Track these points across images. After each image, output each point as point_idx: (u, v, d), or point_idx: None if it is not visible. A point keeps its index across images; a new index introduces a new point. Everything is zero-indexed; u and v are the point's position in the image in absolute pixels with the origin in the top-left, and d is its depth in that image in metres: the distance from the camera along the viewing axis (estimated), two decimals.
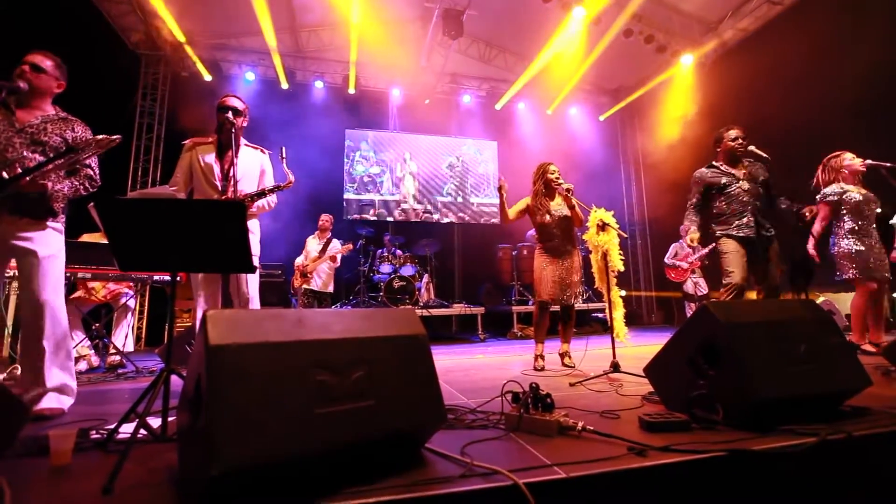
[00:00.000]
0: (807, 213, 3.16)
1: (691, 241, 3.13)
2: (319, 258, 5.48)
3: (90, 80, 5.42)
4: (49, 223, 2.18)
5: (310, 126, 7.50)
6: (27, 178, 1.97)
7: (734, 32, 7.27)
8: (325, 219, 5.75)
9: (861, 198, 3.43)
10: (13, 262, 2.24)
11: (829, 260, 3.60)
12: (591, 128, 9.53)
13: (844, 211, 3.47)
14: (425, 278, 6.73)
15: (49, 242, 2.17)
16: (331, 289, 5.65)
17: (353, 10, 6.45)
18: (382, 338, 1.34)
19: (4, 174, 1.95)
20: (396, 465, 1.25)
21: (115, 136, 2.04)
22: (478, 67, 8.71)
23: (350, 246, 5.71)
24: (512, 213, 3.50)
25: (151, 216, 1.60)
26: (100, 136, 2.04)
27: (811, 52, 5.54)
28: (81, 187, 2.25)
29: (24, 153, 2.10)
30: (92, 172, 2.29)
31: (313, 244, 5.62)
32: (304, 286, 5.41)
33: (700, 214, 3.22)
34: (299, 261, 5.61)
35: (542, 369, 3.26)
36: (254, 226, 2.64)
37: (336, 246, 5.62)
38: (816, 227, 3.56)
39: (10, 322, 3.61)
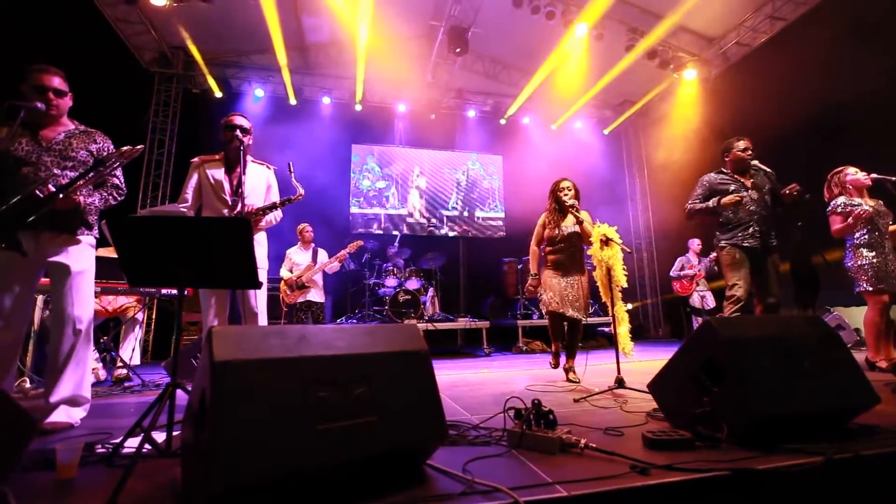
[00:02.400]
0: (796, 191, 3.03)
1: (732, 202, 3.01)
2: (314, 266, 5.19)
3: (104, 97, 5.58)
4: (83, 238, 2.24)
5: (317, 141, 7.62)
6: (60, 196, 2.03)
7: (737, 48, 7.33)
8: (308, 228, 5.43)
9: (871, 209, 3.41)
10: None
11: (841, 274, 3.57)
12: (596, 142, 9.60)
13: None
14: (430, 292, 6.73)
15: (82, 258, 2.22)
16: (323, 298, 5.39)
17: (361, 28, 6.60)
18: (384, 354, 1.35)
19: (38, 193, 2.01)
20: (398, 482, 1.25)
21: (138, 146, 2.11)
22: (483, 83, 8.83)
23: (360, 243, 5.43)
24: (537, 238, 3.55)
25: (160, 233, 1.64)
26: (124, 148, 2.10)
27: (814, 67, 5.57)
28: (111, 197, 2.33)
29: (55, 171, 2.17)
30: (118, 181, 2.37)
31: (300, 256, 5.31)
32: (301, 299, 5.13)
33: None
34: (286, 274, 5.22)
35: (557, 367, 3.41)
36: (261, 238, 2.69)
37: (324, 256, 5.38)
38: (837, 229, 3.49)
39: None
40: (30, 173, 2.13)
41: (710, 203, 3.13)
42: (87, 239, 2.28)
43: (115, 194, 2.35)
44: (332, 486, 1.16)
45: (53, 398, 2.10)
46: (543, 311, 3.41)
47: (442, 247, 7.82)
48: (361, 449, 1.18)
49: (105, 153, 2.33)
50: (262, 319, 2.62)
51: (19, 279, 2.12)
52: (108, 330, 4.13)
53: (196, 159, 2.69)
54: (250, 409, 1.06)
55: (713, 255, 6.10)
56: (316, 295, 5.21)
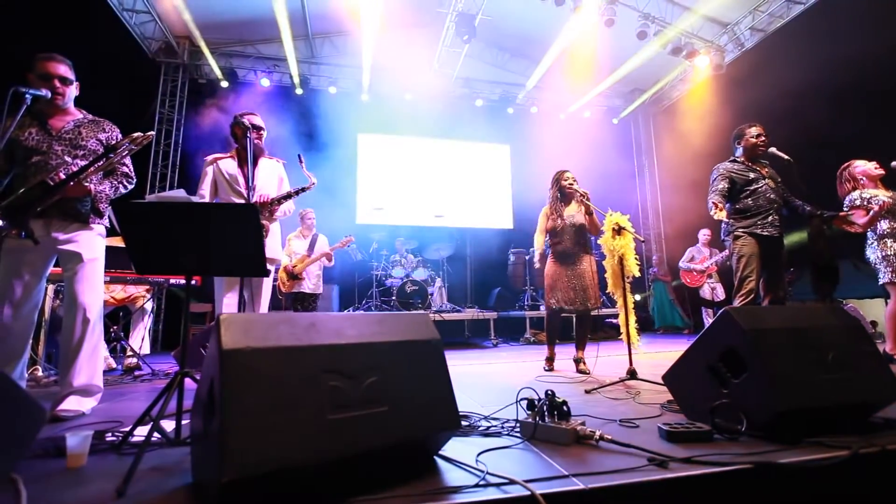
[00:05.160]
0: (847, 216, 3.02)
1: (718, 217, 2.86)
2: (308, 257, 4.95)
3: (111, 88, 5.57)
4: (94, 226, 2.25)
5: (324, 131, 7.58)
6: (72, 183, 2.03)
7: (752, 33, 7.16)
8: (311, 214, 5.15)
9: (890, 199, 3.31)
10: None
11: (861, 268, 3.48)
12: (606, 131, 9.45)
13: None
14: (437, 283, 6.71)
15: (94, 246, 2.23)
16: (320, 290, 5.10)
17: (367, 17, 6.51)
18: (396, 343, 1.32)
19: (49, 181, 2.00)
20: (409, 473, 1.23)
21: (148, 133, 2.10)
22: (490, 72, 8.71)
23: (351, 238, 5.22)
24: (540, 234, 3.48)
25: (167, 219, 1.61)
26: (135, 134, 2.08)
27: (833, 53, 5.41)
28: (121, 185, 2.34)
29: (67, 159, 2.16)
30: (128, 170, 2.37)
31: (298, 243, 5.02)
32: (296, 289, 4.86)
33: (725, 201, 3.02)
34: (285, 260, 4.93)
35: (551, 370, 3.38)
36: (275, 228, 2.77)
37: (324, 243, 5.11)
38: (863, 223, 3.34)
39: None
40: (41, 162, 2.13)
41: (714, 213, 2.89)
42: (98, 227, 2.28)
43: (125, 182, 2.36)
44: (342, 477, 1.14)
45: (66, 387, 2.11)
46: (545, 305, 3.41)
47: (449, 237, 7.79)
48: (373, 439, 1.15)
49: (114, 142, 2.33)
50: (264, 307, 2.65)
51: (30, 267, 2.12)
52: (118, 319, 4.15)
53: (209, 157, 2.76)
54: (259, 398, 1.03)
55: (726, 251, 5.95)
56: (308, 286, 4.94)
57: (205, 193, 2.68)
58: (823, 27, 5.95)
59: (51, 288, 3.60)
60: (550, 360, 3.46)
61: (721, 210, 2.86)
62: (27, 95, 2.02)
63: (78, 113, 2.31)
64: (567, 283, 3.28)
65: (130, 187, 2.40)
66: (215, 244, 1.66)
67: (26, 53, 2.23)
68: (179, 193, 2.09)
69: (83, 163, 2.17)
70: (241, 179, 2.65)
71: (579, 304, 3.27)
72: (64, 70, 2.23)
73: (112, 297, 4.14)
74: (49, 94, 2.15)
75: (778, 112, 5.35)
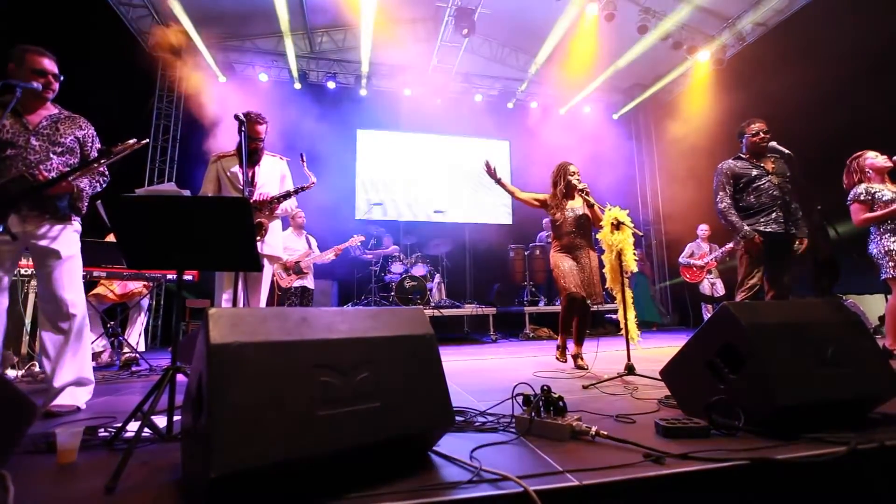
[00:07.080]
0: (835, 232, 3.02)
1: (753, 240, 2.89)
2: (310, 253, 5.18)
3: (108, 83, 5.53)
4: (72, 223, 2.23)
5: (322, 126, 7.54)
6: (62, 182, 2.01)
7: (753, 27, 7.10)
8: (300, 214, 5.31)
9: (894, 195, 3.28)
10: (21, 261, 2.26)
11: (859, 262, 3.46)
12: (605, 126, 9.40)
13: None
14: (437, 278, 6.69)
15: (71, 243, 2.21)
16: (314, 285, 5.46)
17: (366, 11, 6.46)
18: (389, 338, 1.30)
19: (29, 176, 1.97)
20: (402, 469, 1.22)
21: (144, 140, 2.07)
22: (490, 67, 8.66)
23: (362, 238, 5.52)
24: (525, 195, 3.54)
25: (156, 213, 1.59)
26: (131, 140, 2.04)
27: (837, 47, 5.36)
28: (97, 184, 2.32)
29: (51, 155, 2.14)
30: (103, 169, 2.34)
31: (295, 241, 5.23)
32: (298, 283, 5.10)
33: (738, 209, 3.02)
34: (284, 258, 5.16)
35: (564, 360, 3.35)
36: (276, 225, 2.80)
37: (314, 243, 5.38)
38: (865, 218, 3.33)
39: (28, 320, 3.68)
40: (17, 156, 2.09)
41: (738, 225, 2.95)
42: (75, 224, 2.26)
43: (101, 181, 2.34)
44: (334, 474, 1.13)
45: (57, 383, 2.09)
46: (560, 296, 3.32)
47: (448, 233, 7.76)
48: (364, 435, 1.14)
49: (90, 140, 2.32)
50: (262, 303, 2.64)
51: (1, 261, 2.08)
52: (116, 315, 4.14)
53: (213, 155, 2.79)
54: (248, 393, 1.02)
55: (728, 245, 5.90)
56: (310, 281, 5.25)
57: (208, 190, 2.70)
58: (825, 20, 5.89)
59: None
60: (564, 348, 3.36)
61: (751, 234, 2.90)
62: (18, 89, 2.00)
63: (54, 108, 2.27)
64: (573, 271, 3.27)
65: (105, 186, 2.38)
66: (205, 238, 1.64)
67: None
68: (170, 187, 2.06)
69: (61, 159, 2.16)
70: (241, 178, 2.66)
71: (585, 295, 3.23)
72: (54, 65, 2.20)
73: (112, 293, 4.13)
74: (40, 88, 2.12)
75: (780, 106, 5.31)
